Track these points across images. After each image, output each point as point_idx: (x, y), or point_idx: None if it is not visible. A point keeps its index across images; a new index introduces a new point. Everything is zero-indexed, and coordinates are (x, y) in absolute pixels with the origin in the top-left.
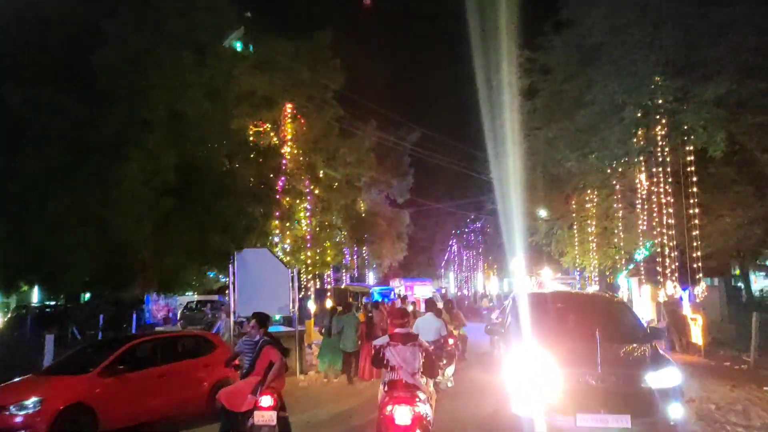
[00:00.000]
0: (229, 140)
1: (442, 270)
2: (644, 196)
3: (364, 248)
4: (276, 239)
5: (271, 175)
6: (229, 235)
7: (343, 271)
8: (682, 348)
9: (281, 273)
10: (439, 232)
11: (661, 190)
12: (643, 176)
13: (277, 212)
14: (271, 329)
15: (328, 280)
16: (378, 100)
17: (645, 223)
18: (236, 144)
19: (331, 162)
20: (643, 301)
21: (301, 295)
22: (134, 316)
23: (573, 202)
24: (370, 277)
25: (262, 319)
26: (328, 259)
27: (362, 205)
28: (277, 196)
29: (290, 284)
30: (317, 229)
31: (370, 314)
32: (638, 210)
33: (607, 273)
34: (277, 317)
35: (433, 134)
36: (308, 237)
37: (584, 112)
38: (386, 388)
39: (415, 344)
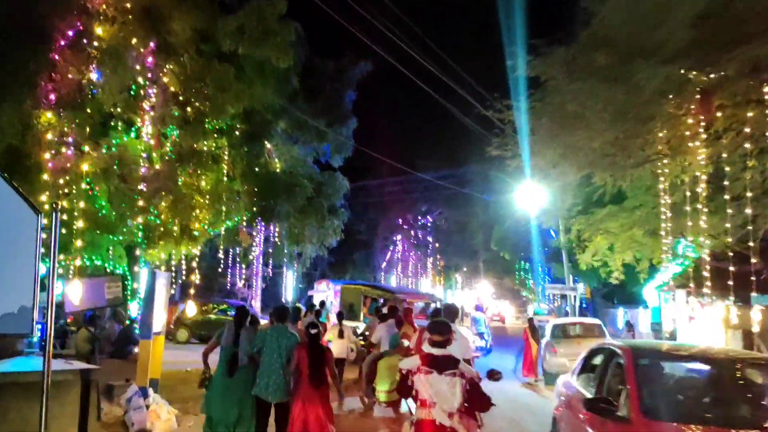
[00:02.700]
0: None
1: (383, 273)
2: None
3: (278, 226)
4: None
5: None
6: None
7: (240, 259)
8: None
9: (21, 228)
10: (382, 224)
11: None
12: None
13: (51, 92)
14: (14, 363)
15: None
16: None
17: None
18: None
19: (209, 32)
20: (702, 327)
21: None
22: None
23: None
24: (289, 277)
25: None
26: (197, 227)
27: (277, 163)
28: (54, 56)
29: (37, 252)
30: (173, 154)
31: (315, 330)
32: None
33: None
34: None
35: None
36: (144, 169)
37: None
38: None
39: (455, 373)
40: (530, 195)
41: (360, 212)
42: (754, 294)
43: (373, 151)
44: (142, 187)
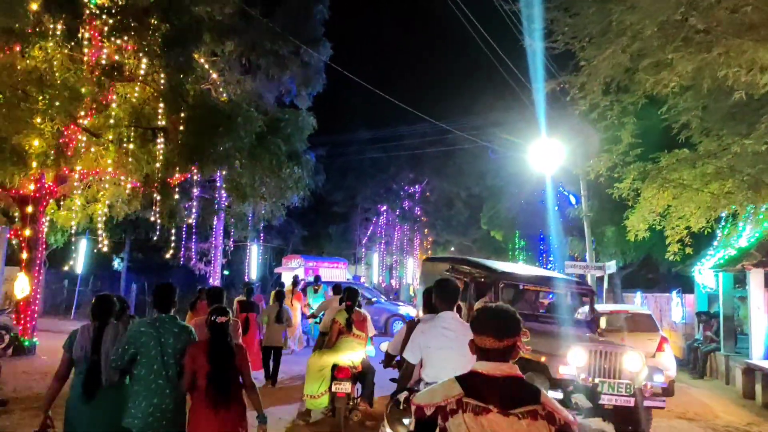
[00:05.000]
0: None
1: (363, 249)
2: None
3: (217, 172)
4: None
5: None
6: None
7: (161, 219)
8: None
9: None
10: (362, 193)
11: None
12: None
13: None
14: None
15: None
16: None
17: None
18: None
19: None
20: None
21: None
22: None
23: None
24: (254, 252)
25: None
26: (36, 145)
27: (223, 98)
28: None
29: None
30: None
31: (222, 318)
32: None
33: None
34: None
35: None
36: None
37: None
38: None
39: (536, 412)
40: (551, 150)
41: (336, 179)
42: None
43: (352, 98)
44: None
